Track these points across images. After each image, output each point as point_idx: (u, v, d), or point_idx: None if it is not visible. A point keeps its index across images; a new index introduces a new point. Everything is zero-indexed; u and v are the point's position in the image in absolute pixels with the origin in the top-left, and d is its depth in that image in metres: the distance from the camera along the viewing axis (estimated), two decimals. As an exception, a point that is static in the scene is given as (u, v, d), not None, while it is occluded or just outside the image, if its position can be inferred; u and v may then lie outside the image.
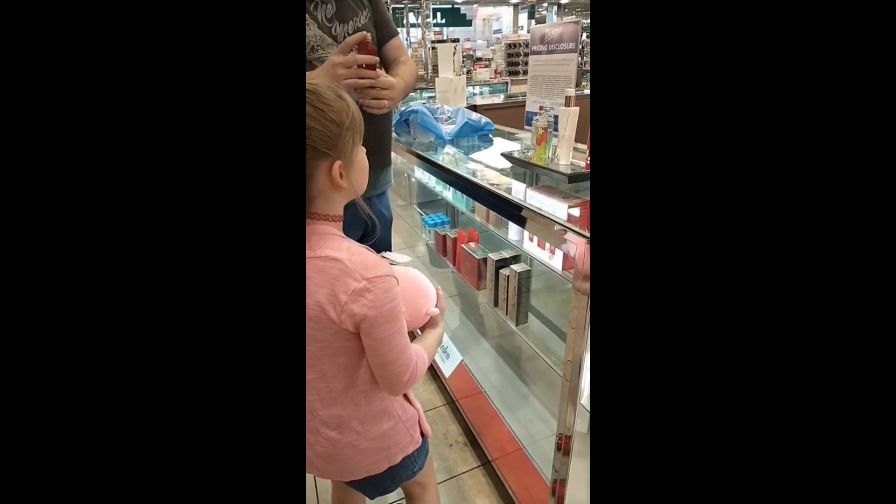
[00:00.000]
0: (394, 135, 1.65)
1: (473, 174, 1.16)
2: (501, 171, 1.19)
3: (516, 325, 1.27)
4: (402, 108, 1.57)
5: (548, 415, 1.41)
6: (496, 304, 1.35)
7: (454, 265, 1.62)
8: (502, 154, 1.25)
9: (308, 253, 0.57)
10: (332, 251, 0.58)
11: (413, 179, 2.34)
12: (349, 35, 0.98)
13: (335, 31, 1.00)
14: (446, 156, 1.48)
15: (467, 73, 4.66)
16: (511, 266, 1.27)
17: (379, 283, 0.58)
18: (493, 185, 1.06)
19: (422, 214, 2.02)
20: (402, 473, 0.76)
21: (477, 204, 1.36)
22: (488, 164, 1.25)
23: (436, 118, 1.49)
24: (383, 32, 1.11)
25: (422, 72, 4.00)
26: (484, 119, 1.56)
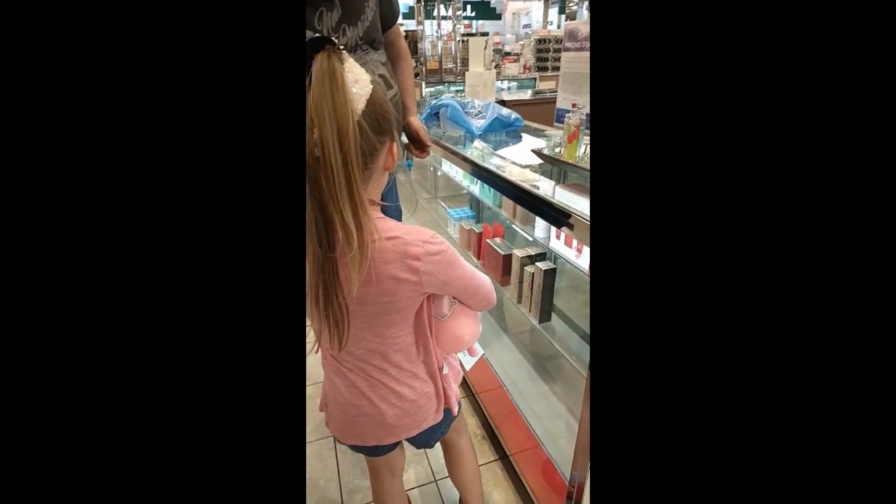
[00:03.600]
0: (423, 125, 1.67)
1: (503, 169, 1.16)
2: (530, 167, 1.19)
3: (539, 322, 1.28)
4: (433, 102, 1.57)
5: (567, 414, 1.41)
6: (520, 300, 1.35)
7: (479, 260, 1.63)
8: (533, 150, 1.25)
9: (375, 236, 0.60)
10: (389, 232, 0.63)
11: (439, 173, 2.35)
12: (360, 38, 0.97)
13: (346, 34, 0.98)
14: (475, 150, 1.48)
15: (496, 67, 4.62)
16: (536, 263, 1.27)
17: (434, 241, 0.65)
18: (522, 181, 1.06)
19: (447, 208, 2.03)
20: (450, 417, 0.86)
21: (504, 199, 1.36)
22: (517, 160, 1.25)
23: (466, 112, 1.50)
24: (388, 20, 1.11)
25: (450, 64, 3.99)
26: (514, 115, 1.56)
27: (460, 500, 1.14)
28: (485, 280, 0.77)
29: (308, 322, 0.63)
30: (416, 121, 1.21)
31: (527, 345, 1.70)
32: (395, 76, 1.10)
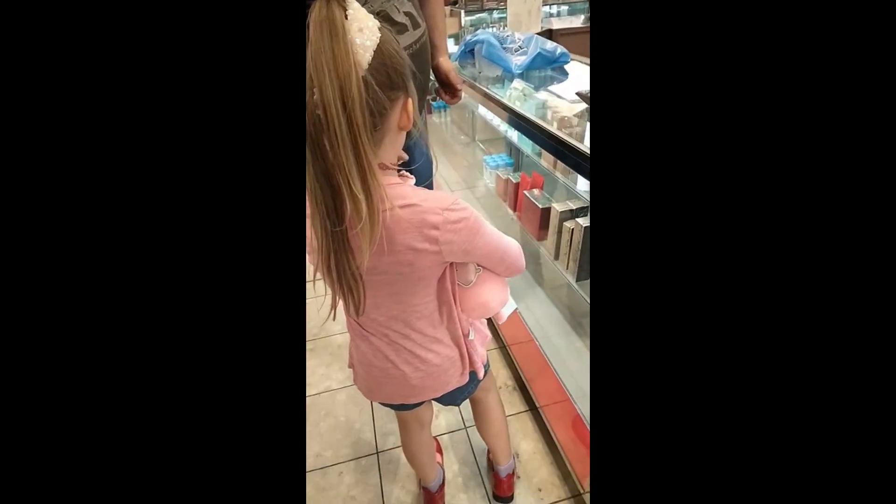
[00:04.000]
0: (457, 66, 1.53)
1: (542, 116, 1.05)
2: (575, 113, 1.07)
3: (576, 280, 1.21)
4: (468, 38, 1.43)
5: (601, 371, 1.38)
6: (556, 256, 1.28)
7: (515, 211, 1.55)
8: (578, 93, 1.11)
9: (385, 205, 0.56)
10: (405, 199, 0.58)
11: (476, 114, 2.21)
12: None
13: None
14: (514, 91, 1.35)
15: (544, -11, 4.15)
16: (577, 219, 1.18)
17: (455, 208, 0.60)
18: (561, 130, 0.95)
19: (484, 154, 1.92)
20: (475, 380, 0.86)
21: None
22: (559, 104, 1.13)
23: (504, 48, 1.35)
24: None
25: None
26: (559, 49, 1.39)
27: (488, 451, 1.17)
28: (512, 246, 0.71)
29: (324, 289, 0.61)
30: (447, 61, 1.10)
31: (562, 300, 1.65)
32: (421, 12, 0.98)
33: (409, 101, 0.57)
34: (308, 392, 1.50)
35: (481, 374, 0.83)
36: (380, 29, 0.52)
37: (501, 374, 1.53)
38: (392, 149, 0.59)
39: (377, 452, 1.31)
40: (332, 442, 1.34)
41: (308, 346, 1.67)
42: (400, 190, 0.59)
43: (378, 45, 0.51)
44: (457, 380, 0.79)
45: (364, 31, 0.49)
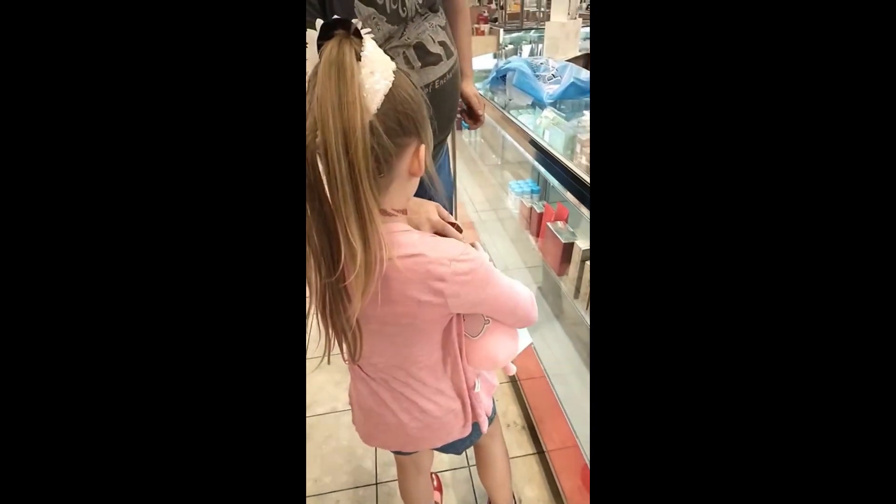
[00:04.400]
0: (488, 91, 1.50)
1: (570, 149, 1.00)
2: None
3: (595, 324, 1.15)
4: (500, 64, 1.40)
5: (617, 419, 1.30)
6: (577, 295, 1.22)
7: (537, 239, 1.49)
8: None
9: (389, 254, 0.53)
10: (410, 248, 0.55)
11: (505, 137, 2.17)
12: (420, 3, 0.83)
13: (405, 2, 0.82)
14: (544, 120, 1.31)
15: (586, 8, 4.11)
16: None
17: (464, 258, 0.56)
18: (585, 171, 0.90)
19: (512, 176, 1.88)
20: (479, 431, 0.81)
21: (571, 180, 1.20)
22: (587, 138, 1.08)
23: (537, 76, 1.31)
24: None
25: (533, 8, 3.60)
26: (594, 79, 1.34)
27: (489, 500, 1.11)
28: (523, 297, 0.67)
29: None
30: (471, 87, 1.08)
31: (581, 336, 1.58)
32: (454, 39, 0.96)
33: (422, 147, 0.54)
34: (314, 411, 1.48)
35: (485, 426, 0.78)
36: (395, 72, 0.50)
37: (511, 412, 1.47)
38: (401, 195, 0.56)
39: (376, 483, 1.27)
40: (332, 467, 1.31)
41: (321, 361, 1.65)
42: (406, 238, 0.55)
43: (390, 89, 0.48)
44: (458, 431, 0.75)
45: (375, 75, 0.47)
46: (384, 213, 0.54)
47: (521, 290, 0.67)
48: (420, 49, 0.86)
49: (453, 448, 0.80)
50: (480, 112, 1.12)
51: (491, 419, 0.83)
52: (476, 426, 0.77)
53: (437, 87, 0.91)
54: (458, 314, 0.65)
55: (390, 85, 0.48)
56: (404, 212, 0.58)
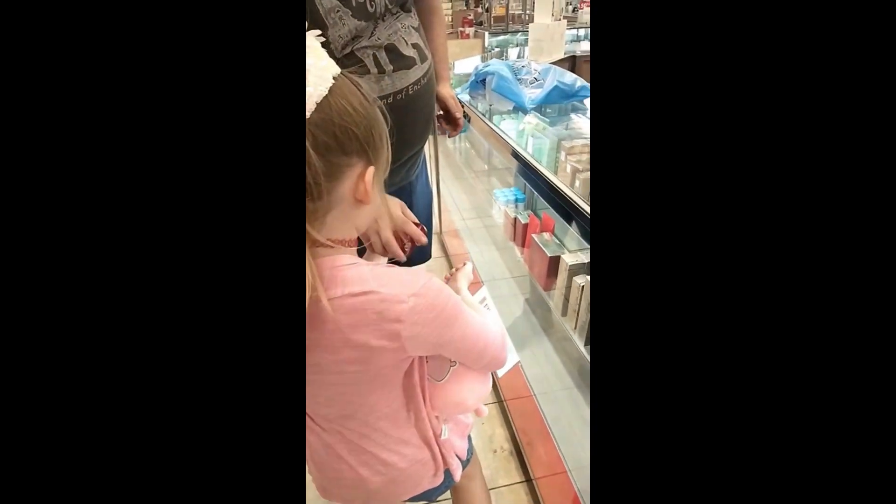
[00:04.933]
0: (467, 98, 1.43)
1: (553, 160, 0.93)
2: (586, 155, 0.94)
3: (584, 344, 1.07)
4: (479, 67, 1.32)
5: (609, 442, 1.23)
6: (564, 313, 1.15)
7: (522, 250, 1.42)
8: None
9: (331, 293, 0.45)
10: (358, 285, 0.46)
11: (490, 143, 2.10)
12: (390, 1, 0.76)
13: None
14: (527, 125, 1.23)
15: (573, 10, 4.07)
16: (589, 276, 1.05)
17: (426, 292, 0.48)
18: (576, 177, 0.83)
19: (498, 183, 1.81)
20: (450, 480, 0.73)
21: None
22: (575, 144, 1.00)
23: (518, 79, 1.23)
24: None
25: (518, 10, 3.54)
26: (579, 81, 1.27)
27: None
28: (494, 337, 0.59)
29: None
30: (447, 89, 1.01)
31: (570, 353, 1.50)
32: (427, 41, 0.88)
33: (369, 170, 0.46)
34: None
35: (458, 474, 0.69)
36: (337, 78, 0.42)
37: (497, 436, 1.39)
38: (344, 224, 0.48)
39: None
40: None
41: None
42: (353, 272, 0.47)
43: (326, 97, 0.40)
44: (429, 481, 0.66)
45: (308, 79, 0.39)
46: (321, 244, 0.46)
47: (493, 330, 0.59)
48: (392, 52, 0.79)
49: (425, 496, 0.71)
50: (458, 115, 1.04)
51: (467, 461, 0.74)
52: (448, 474, 0.69)
53: (410, 92, 0.83)
54: (421, 356, 0.56)
55: (325, 92, 0.40)
56: (353, 243, 0.50)
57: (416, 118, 0.88)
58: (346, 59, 0.72)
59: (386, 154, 0.48)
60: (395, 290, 0.46)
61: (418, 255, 1.24)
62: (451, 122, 1.06)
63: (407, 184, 1.01)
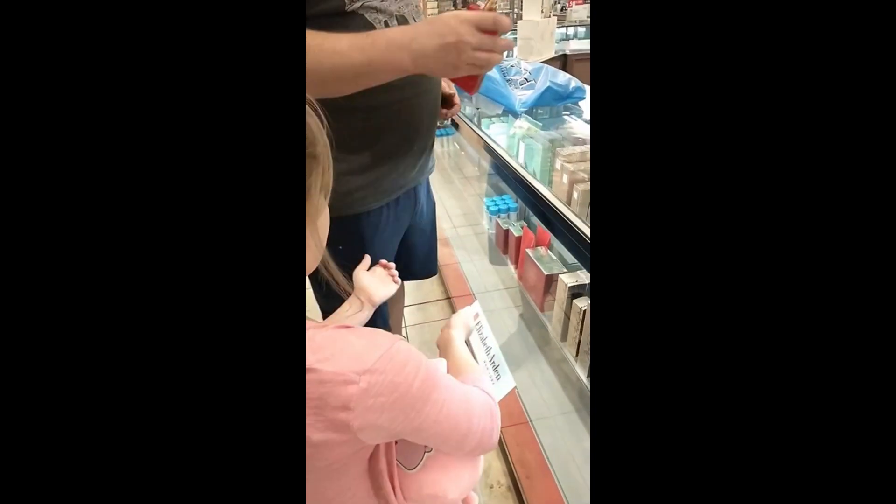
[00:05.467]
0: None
1: (547, 168, 0.82)
2: (584, 162, 0.84)
3: (587, 375, 0.96)
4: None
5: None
6: (563, 338, 1.04)
7: (515, 268, 1.31)
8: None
9: None
10: None
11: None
12: None
13: None
14: (518, 131, 1.13)
15: (561, 10, 3.98)
16: (590, 298, 0.94)
17: (384, 368, 0.37)
18: (574, 189, 0.72)
19: (490, 189, 1.70)
20: None
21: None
22: (573, 152, 0.89)
23: (507, 80, 1.13)
24: None
25: (506, 10, 3.43)
26: (573, 82, 1.16)
27: None
28: (480, 416, 0.46)
29: None
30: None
31: (568, 375, 1.39)
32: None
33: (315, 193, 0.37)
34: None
35: None
36: None
37: (494, 469, 1.27)
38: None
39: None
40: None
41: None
42: None
43: None
44: None
45: None
46: None
47: (479, 405, 0.47)
48: (403, 24, 0.70)
49: None
50: (452, 92, 0.94)
51: None
52: None
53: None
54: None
55: None
56: None
57: (427, 101, 0.79)
58: (354, 15, 0.64)
59: (324, 172, 0.38)
60: (341, 365, 0.35)
61: (422, 269, 1.12)
62: (444, 103, 0.95)
63: (416, 187, 0.91)
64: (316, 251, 0.42)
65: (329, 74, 0.59)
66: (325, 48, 0.58)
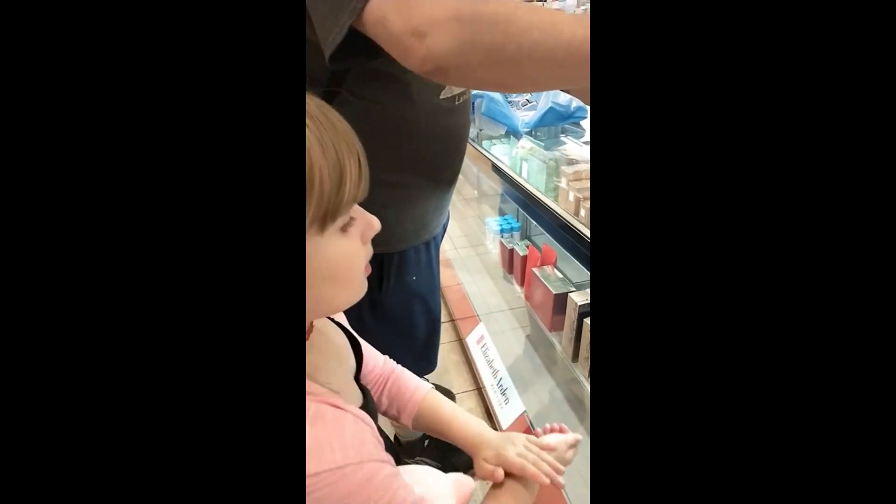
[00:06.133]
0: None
1: (552, 186, 0.82)
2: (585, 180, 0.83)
3: (600, 396, 0.94)
4: (466, 89, 1.23)
5: None
6: (575, 359, 1.02)
7: (521, 288, 1.30)
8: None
9: None
10: None
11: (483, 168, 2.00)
12: None
13: None
14: (520, 150, 1.13)
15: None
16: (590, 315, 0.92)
17: (331, 477, 0.30)
18: (579, 206, 0.71)
19: (492, 209, 1.70)
20: None
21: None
22: (579, 169, 0.90)
23: (509, 101, 1.14)
24: None
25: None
26: (575, 102, 1.17)
27: None
28: None
29: None
30: None
31: (579, 397, 1.36)
32: None
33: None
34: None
35: None
36: None
37: (503, 497, 1.23)
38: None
39: None
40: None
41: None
42: None
43: None
44: None
45: None
46: None
47: None
48: None
49: None
50: None
51: None
52: None
53: (466, 96, 0.70)
54: None
55: None
56: None
57: (458, 143, 0.74)
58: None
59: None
60: None
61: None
62: None
63: (434, 237, 0.83)
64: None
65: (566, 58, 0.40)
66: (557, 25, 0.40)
